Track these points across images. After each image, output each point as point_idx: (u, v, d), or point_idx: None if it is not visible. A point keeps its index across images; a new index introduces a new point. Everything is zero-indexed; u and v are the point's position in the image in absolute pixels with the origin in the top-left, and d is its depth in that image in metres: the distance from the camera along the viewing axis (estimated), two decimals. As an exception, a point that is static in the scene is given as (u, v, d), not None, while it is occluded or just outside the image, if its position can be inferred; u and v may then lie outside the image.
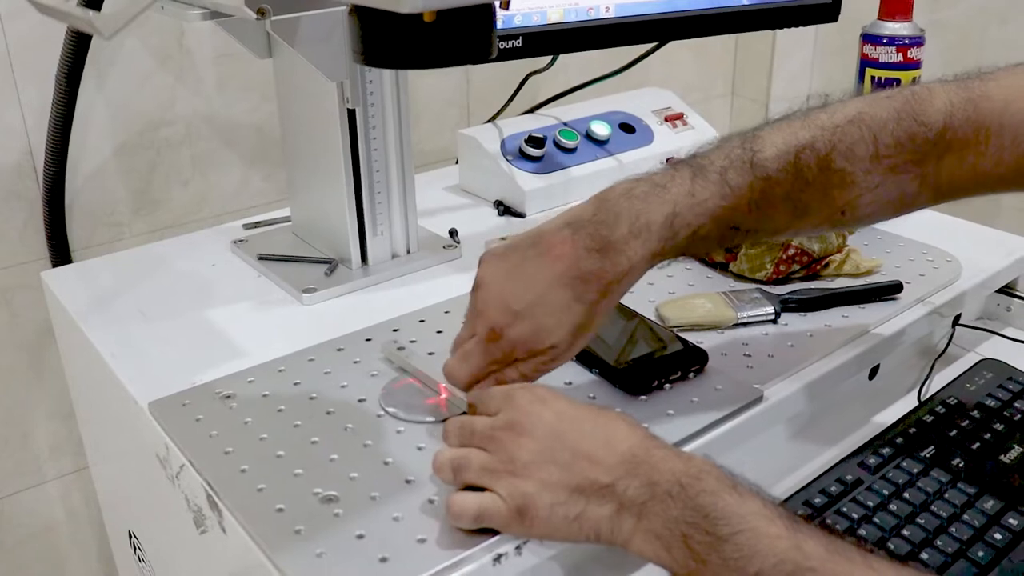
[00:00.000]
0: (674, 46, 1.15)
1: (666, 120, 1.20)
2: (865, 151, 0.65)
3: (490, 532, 0.55)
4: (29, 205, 1.06)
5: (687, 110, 1.23)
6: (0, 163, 1.02)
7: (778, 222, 0.67)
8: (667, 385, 0.70)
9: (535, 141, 1.08)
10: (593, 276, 0.61)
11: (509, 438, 0.56)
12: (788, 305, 0.82)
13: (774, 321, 0.80)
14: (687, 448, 0.65)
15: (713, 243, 0.66)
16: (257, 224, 1.00)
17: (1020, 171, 0.64)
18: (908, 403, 0.81)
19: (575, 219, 0.63)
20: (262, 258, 0.91)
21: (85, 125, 1.06)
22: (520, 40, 0.88)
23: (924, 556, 0.62)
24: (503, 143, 1.08)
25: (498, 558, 0.55)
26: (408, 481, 0.60)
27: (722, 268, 0.90)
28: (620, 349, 0.73)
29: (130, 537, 0.91)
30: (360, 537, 0.55)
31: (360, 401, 0.68)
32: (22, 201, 1.05)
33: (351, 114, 0.83)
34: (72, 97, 1.01)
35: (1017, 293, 0.97)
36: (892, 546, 0.63)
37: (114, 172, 1.10)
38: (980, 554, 0.62)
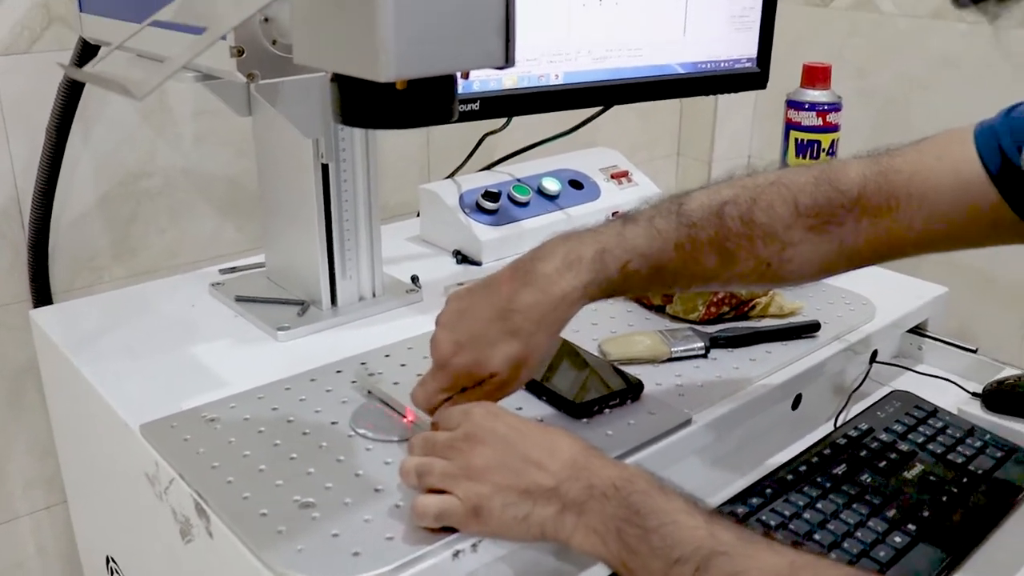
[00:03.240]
0: (622, 109, 1.25)
1: (612, 177, 1.30)
2: (785, 209, 0.73)
3: (450, 531, 0.63)
4: (14, 249, 1.12)
5: (632, 168, 1.33)
6: (-11, 209, 1.09)
7: (706, 267, 0.74)
8: (607, 410, 0.79)
9: (491, 196, 1.16)
10: (528, 308, 0.69)
11: (467, 447, 0.64)
12: (717, 342, 0.91)
13: (704, 356, 0.90)
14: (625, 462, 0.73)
15: (644, 281, 0.73)
16: (233, 269, 1.08)
17: (928, 236, 0.73)
18: (827, 430, 0.90)
19: (517, 261, 0.72)
20: (239, 299, 0.99)
21: (71, 175, 1.13)
22: (478, 104, 0.98)
23: (832, 556, 0.70)
24: (461, 197, 1.17)
25: (456, 554, 0.63)
26: (377, 490, 0.67)
27: (659, 310, 0.99)
28: (565, 380, 0.82)
29: (108, 563, 0.97)
30: (335, 536, 0.62)
31: (333, 423, 0.76)
32: (7, 245, 1.12)
33: (324, 168, 0.92)
34: (60, 148, 1.08)
35: (928, 333, 1.07)
36: (807, 545, 0.71)
37: (96, 220, 1.17)
38: (881, 554, 0.71)
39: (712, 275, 0.75)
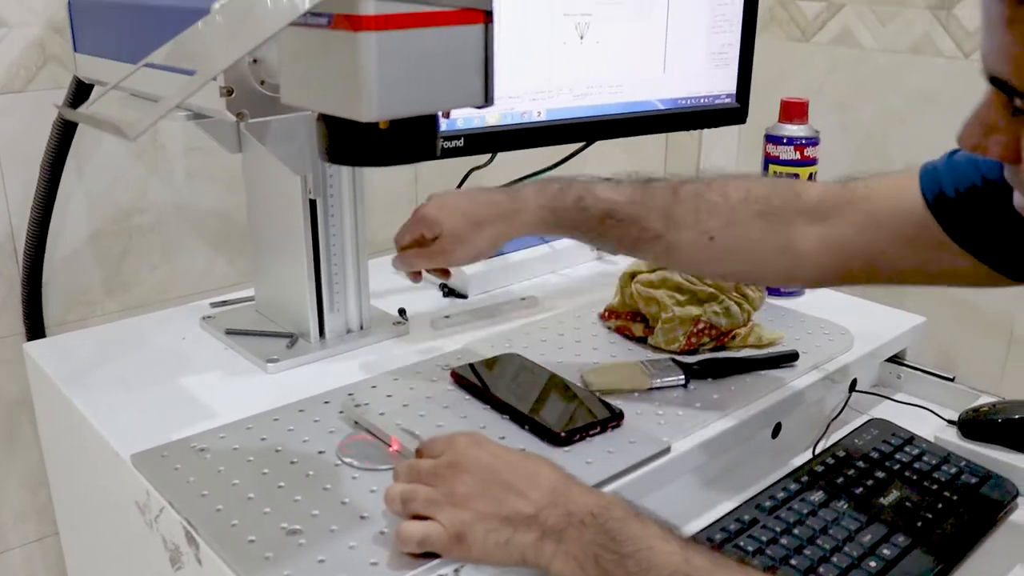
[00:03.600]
0: (607, 143, 1.28)
1: (597, 210, 1.32)
2: (737, 193, 0.84)
3: (433, 556, 0.65)
4: (8, 283, 1.14)
5: (616, 201, 1.35)
6: (-17, 245, 1.11)
7: (652, 226, 0.85)
8: (588, 438, 0.81)
9: (477, 229, 1.19)
10: (495, 204, 0.90)
11: (450, 474, 0.66)
12: (697, 372, 0.93)
13: (684, 386, 0.92)
14: (603, 490, 0.74)
15: (596, 222, 0.87)
16: (224, 303, 1.10)
17: (875, 255, 0.79)
18: (806, 458, 0.92)
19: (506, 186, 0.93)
20: (229, 332, 1.00)
21: (64, 211, 1.15)
22: (462, 140, 1.01)
23: (807, 581, 0.72)
24: (448, 230, 1.19)
25: (439, 579, 0.64)
26: (363, 517, 0.69)
27: (641, 341, 1.01)
28: (547, 409, 0.84)
29: (98, 593, 0.98)
30: (321, 562, 0.64)
31: (320, 453, 0.77)
32: (1, 280, 1.14)
33: (312, 204, 0.94)
34: (54, 185, 1.10)
35: (906, 362, 1.10)
36: (782, 570, 0.73)
37: (89, 255, 1.19)
38: (856, 579, 0.73)
39: (656, 235, 0.85)
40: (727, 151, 1.89)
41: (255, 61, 0.76)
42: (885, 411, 1.02)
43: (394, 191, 1.44)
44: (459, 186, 1.31)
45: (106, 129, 0.55)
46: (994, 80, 0.56)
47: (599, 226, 0.86)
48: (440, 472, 0.66)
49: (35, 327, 1.15)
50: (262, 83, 0.77)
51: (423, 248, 0.94)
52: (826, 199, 0.82)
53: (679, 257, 0.87)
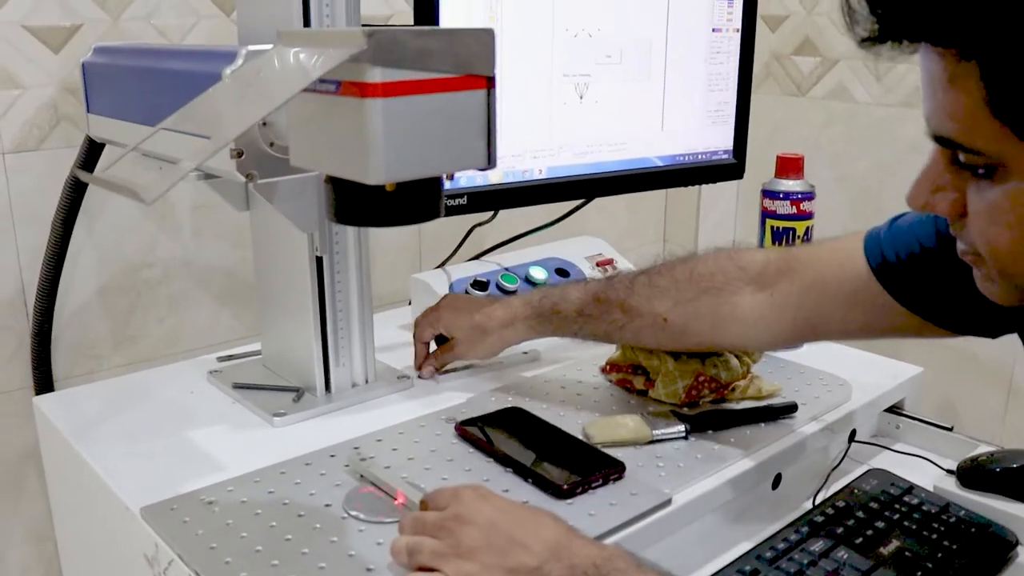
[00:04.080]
0: (609, 199, 1.30)
1: (598, 265, 1.34)
2: (683, 275, 0.93)
3: (438, 608, 0.66)
4: (18, 338, 1.16)
5: (616, 255, 1.37)
6: (-5, 301, 1.13)
7: (615, 318, 0.96)
8: (590, 491, 0.82)
9: (480, 284, 1.21)
10: (494, 318, 1.02)
11: (456, 527, 0.67)
12: (698, 424, 0.94)
13: (685, 438, 0.93)
14: (605, 542, 0.75)
15: (571, 322, 0.99)
16: (230, 357, 1.11)
17: (822, 318, 0.86)
18: (807, 508, 0.93)
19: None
20: (236, 386, 1.02)
21: (74, 266, 1.17)
22: (465, 198, 1.03)
23: (808, 632, 0.73)
24: (451, 286, 1.21)
25: (444, 631, 0.65)
26: (369, 569, 0.70)
27: (642, 395, 1.02)
28: (550, 462, 0.85)
29: (103, 648, 0.98)
30: (328, 614, 0.65)
31: (327, 506, 0.79)
32: (12, 335, 1.16)
33: (319, 260, 0.96)
34: (65, 241, 1.12)
35: (904, 412, 1.11)
36: (781, 624, 0.74)
37: (97, 309, 1.21)
38: (856, 630, 0.73)
39: (620, 326, 0.96)
40: (726, 205, 1.92)
41: (265, 124, 0.78)
42: (884, 461, 1.03)
43: (398, 248, 1.46)
44: (460, 245, 1.33)
45: (122, 193, 0.57)
46: (938, 139, 0.58)
47: (574, 326, 0.99)
48: (446, 524, 0.67)
49: (44, 380, 1.17)
50: (271, 145, 0.79)
51: (445, 347, 1.07)
52: (769, 268, 0.88)
53: (643, 340, 0.98)
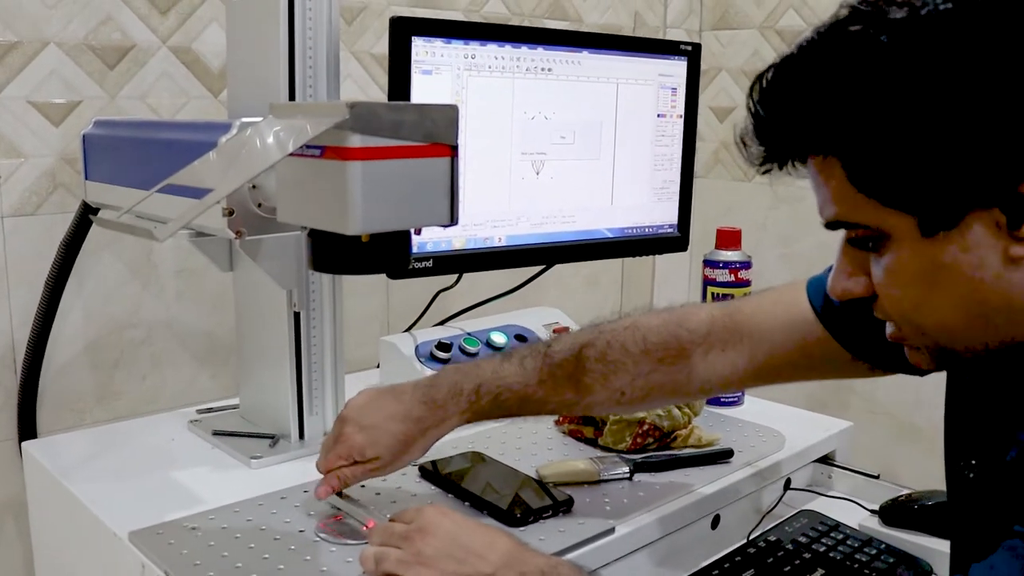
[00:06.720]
0: (567, 272, 1.40)
1: (554, 332, 1.43)
2: (636, 348, 0.91)
3: (403, 612, 0.73)
4: (5, 392, 1.22)
5: (572, 324, 1.46)
6: (-15, 358, 1.20)
7: (565, 398, 0.92)
8: (541, 520, 0.90)
9: (444, 347, 1.29)
10: (419, 421, 0.89)
11: (419, 538, 0.75)
12: (642, 466, 1.03)
13: (630, 478, 1.01)
14: (555, 562, 0.83)
15: (514, 408, 0.92)
16: (210, 410, 1.19)
17: (771, 366, 0.90)
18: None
19: (420, 381, 0.92)
20: (215, 433, 1.09)
21: (62, 323, 1.24)
22: (431, 261, 1.13)
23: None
24: (417, 348, 1.29)
25: (407, 633, 0.73)
26: (339, 583, 0.78)
27: (591, 443, 1.11)
28: (504, 496, 0.93)
29: None
30: (303, 619, 0.72)
31: (300, 531, 0.86)
32: (0, 389, 1.22)
33: (296, 316, 1.05)
34: (56, 301, 1.20)
35: (835, 463, 1.20)
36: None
37: (83, 366, 1.28)
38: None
39: (571, 403, 0.93)
40: (678, 274, 2.03)
41: (254, 187, 0.88)
42: (817, 506, 1.12)
43: (368, 315, 1.55)
44: (425, 310, 1.42)
45: (139, 233, 0.66)
46: (830, 224, 0.66)
47: (518, 411, 0.94)
48: (410, 535, 0.75)
49: (28, 432, 1.23)
50: (259, 205, 0.89)
51: (358, 466, 0.90)
52: (716, 326, 0.92)
53: (598, 412, 1.02)
